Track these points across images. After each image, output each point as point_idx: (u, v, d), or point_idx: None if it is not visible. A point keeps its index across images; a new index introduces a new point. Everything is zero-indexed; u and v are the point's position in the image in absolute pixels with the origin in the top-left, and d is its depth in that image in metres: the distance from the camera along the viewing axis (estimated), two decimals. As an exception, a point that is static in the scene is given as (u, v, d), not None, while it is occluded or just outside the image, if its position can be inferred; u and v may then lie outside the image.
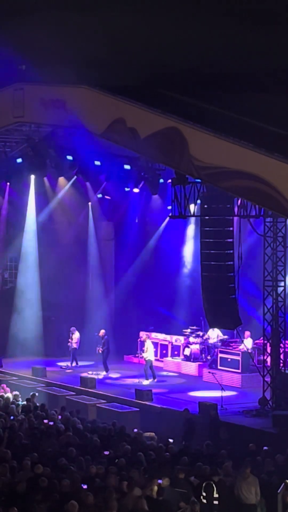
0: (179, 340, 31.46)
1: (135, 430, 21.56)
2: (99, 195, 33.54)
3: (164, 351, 31.88)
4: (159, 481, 15.50)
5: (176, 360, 30.97)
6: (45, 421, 21.57)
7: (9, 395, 25.33)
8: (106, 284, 35.20)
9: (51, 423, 21.35)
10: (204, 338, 30.51)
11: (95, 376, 28.59)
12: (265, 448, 19.13)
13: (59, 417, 22.36)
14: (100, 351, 30.15)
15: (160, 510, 14.65)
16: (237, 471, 17.21)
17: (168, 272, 33.07)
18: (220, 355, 28.91)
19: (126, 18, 20.67)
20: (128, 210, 33.84)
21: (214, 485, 15.50)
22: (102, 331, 30.65)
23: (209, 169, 20.54)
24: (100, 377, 29.24)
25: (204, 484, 15.53)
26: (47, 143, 26.97)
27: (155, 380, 28.54)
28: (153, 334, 32.06)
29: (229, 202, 23.68)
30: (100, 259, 35.16)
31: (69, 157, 27.17)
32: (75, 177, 30.42)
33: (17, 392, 25.72)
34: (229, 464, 17.28)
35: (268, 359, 25.28)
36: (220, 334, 29.91)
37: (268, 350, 25.28)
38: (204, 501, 15.39)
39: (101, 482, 15.59)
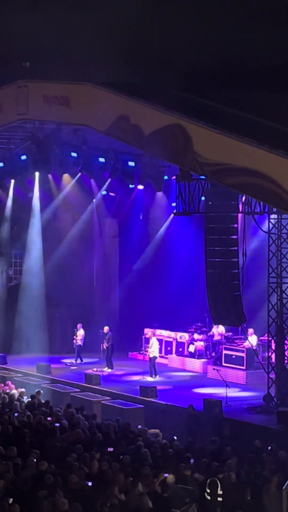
0: (183, 337, 31.47)
1: (139, 426, 21.55)
2: (104, 192, 33.54)
3: (169, 348, 31.90)
4: (165, 475, 15.51)
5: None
6: (49, 418, 21.56)
7: (14, 392, 25.36)
8: (111, 281, 35.23)
9: (56, 423, 21.32)
10: (209, 335, 30.52)
11: (100, 373, 28.63)
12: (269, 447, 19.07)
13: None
14: (105, 347, 30.18)
15: (165, 506, 14.65)
16: (241, 468, 17.21)
17: (173, 269, 33.04)
18: (224, 351, 28.90)
19: (130, 15, 20.67)
20: (132, 207, 33.84)
21: (218, 481, 15.47)
22: (106, 328, 30.67)
23: (213, 166, 20.50)
24: (105, 374, 29.28)
25: (208, 481, 15.51)
26: (51, 140, 26.92)
27: (157, 376, 28.56)
28: (158, 331, 32.09)
29: (234, 199, 23.68)
30: (104, 256, 35.18)
31: (74, 154, 27.14)
32: (79, 174, 30.37)
33: (23, 389, 25.74)
34: (233, 461, 17.27)
35: (273, 356, 25.29)
36: (224, 331, 29.91)
37: (273, 346, 25.29)
38: (209, 497, 15.37)
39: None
